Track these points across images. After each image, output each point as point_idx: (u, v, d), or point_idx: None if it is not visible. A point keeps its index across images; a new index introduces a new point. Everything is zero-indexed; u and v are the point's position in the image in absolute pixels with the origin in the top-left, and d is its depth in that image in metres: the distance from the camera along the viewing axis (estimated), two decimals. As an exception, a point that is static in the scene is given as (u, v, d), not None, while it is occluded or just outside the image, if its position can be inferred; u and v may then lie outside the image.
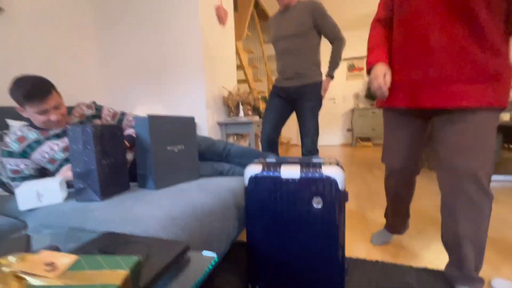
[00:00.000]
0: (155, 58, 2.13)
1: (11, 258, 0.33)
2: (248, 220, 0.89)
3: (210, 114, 2.04)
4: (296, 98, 1.73)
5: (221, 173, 1.32)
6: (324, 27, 1.65)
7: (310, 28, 1.64)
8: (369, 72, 1.01)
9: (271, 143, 1.79)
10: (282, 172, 0.84)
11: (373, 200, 1.93)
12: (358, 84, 5.33)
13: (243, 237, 1.39)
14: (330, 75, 1.72)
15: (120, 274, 0.33)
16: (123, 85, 2.27)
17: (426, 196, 1.99)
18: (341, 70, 5.38)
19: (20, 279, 0.31)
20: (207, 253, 0.55)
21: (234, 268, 1.11)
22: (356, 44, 5.22)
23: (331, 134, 5.63)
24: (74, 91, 2.05)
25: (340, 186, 0.79)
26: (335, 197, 0.79)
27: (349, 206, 1.84)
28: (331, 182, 0.79)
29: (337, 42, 1.69)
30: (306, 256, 0.84)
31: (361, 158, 3.83)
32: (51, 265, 0.34)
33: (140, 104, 2.21)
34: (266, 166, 0.87)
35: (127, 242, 0.55)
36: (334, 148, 5.09)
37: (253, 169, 0.87)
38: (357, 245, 1.28)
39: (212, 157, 1.36)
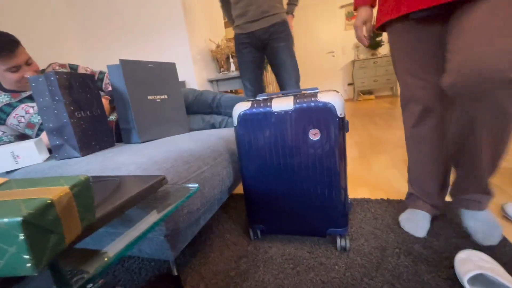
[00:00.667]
0: (133, 13, 1.93)
1: None
2: (242, 162, 0.83)
3: (198, 71, 1.89)
4: (267, 41, 1.55)
5: (213, 126, 1.24)
6: None
7: None
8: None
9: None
10: (273, 106, 0.75)
11: (376, 147, 1.87)
12: (358, 33, 4.98)
13: (242, 190, 1.36)
14: (291, 12, 1.64)
15: (56, 190, 0.26)
16: (101, 46, 2.09)
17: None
18: (339, 19, 5.00)
19: None
20: (191, 185, 0.48)
21: (235, 217, 1.08)
22: (354, -12, 4.77)
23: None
24: (47, 53, 1.89)
25: (339, 113, 0.71)
26: (334, 126, 0.71)
27: (352, 153, 1.78)
28: (328, 109, 0.70)
29: None
30: (306, 193, 0.79)
31: (364, 110, 3.71)
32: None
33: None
34: (256, 102, 0.78)
35: (99, 181, 0.49)
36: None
37: (242, 107, 0.79)
38: (362, 189, 1.23)
39: (201, 109, 1.27)
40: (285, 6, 1.61)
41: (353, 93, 5.13)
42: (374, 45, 4.76)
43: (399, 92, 4.91)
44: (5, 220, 0.21)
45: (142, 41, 1.96)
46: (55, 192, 0.26)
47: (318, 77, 5.41)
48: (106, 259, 0.31)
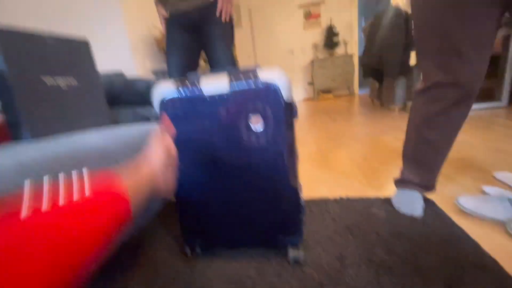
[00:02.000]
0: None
1: None
2: (168, 162, 0.65)
3: (139, 60, 1.64)
4: (197, 23, 1.29)
5: (148, 120, 1.04)
6: None
7: None
8: None
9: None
10: (203, 88, 0.58)
11: (334, 142, 1.82)
12: (316, 33, 5.07)
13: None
14: None
15: None
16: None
17: (386, 131, 1.92)
18: (297, 18, 5.03)
19: None
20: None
21: (172, 230, 0.89)
22: (311, -12, 4.85)
23: (293, 89, 5.45)
24: None
25: (285, 96, 0.57)
26: (279, 111, 0.57)
27: (311, 149, 1.70)
28: (272, 90, 0.56)
29: None
30: (250, 196, 0.63)
31: (323, 108, 3.74)
32: None
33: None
34: (181, 83, 0.60)
35: None
36: (297, 103, 4.95)
37: (163, 90, 0.60)
38: (320, 187, 1.13)
39: (133, 100, 1.05)
40: None
41: (313, 92, 5.20)
42: (331, 45, 4.87)
43: (356, 91, 5.11)
44: None
45: (69, 23, 1.64)
46: None
47: (279, 76, 5.39)
48: None
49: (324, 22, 4.98)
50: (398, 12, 2.41)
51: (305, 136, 2.12)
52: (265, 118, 0.57)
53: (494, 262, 0.59)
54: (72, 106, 0.78)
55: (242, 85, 0.57)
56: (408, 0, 2.47)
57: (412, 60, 2.43)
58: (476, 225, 0.74)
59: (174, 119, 0.60)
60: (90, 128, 0.82)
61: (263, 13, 5.13)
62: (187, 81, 0.60)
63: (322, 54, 5.09)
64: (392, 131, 1.91)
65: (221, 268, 0.67)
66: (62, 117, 0.76)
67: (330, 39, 4.84)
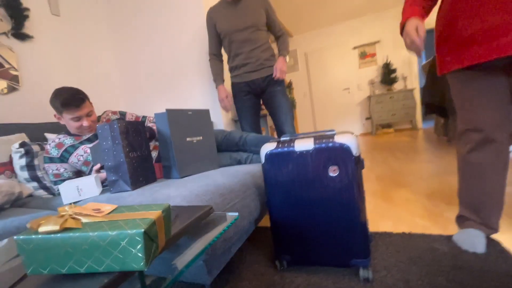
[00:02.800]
0: (169, 64, 2.24)
1: (66, 207, 0.40)
2: (268, 195, 0.93)
3: (224, 113, 2.11)
4: (264, 87, 1.74)
5: (239, 162, 1.37)
6: (273, 22, 1.71)
7: (265, 22, 1.68)
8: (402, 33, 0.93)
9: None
10: (296, 146, 0.87)
11: (397, 180, 1.89)
12: (372, 71, 5.20)
13: (266, 223, 1.43)
14: (283, 54, 1.70)
15: (154, 213, 0.39)
16: (142, 95, 2.41)
17: (453, 170, 1.91)
18: (353, 58, 5.29)
19: (75, 219, 0.37)
20: (230, 214, 0.59)
21: (261, 249, 1.15)
22: (366, 30, 5.12)
23: (349, 125, 5.52)
24: (100, 102, 2.21)
25: (354, 152, 0.81)
26: (350, 163, 0.81)
27: (374, 187, 1.81)
28: (345, 149, 0.81)
29: (284, 36, 1.76)
30: (328, 225, 0.86)
31: (383, 144, 3.73)
32: (98, 210, 0.40)
33: (159, 110, 2.34)
34: (281, 143, 0.91)
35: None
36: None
37: (268, 147, 0.91)
38: (384, 223, 1.26)
39: (229, 148, 1.42)
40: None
41: (371, 127, 5.18)
42: (389, 81, 4.91)
43: (419, 125, 4.90)
44: (134, 231, 0.34)
45: (177, 88, 2.25)
46: (155, 214, 0.38)
47: (336, 112, 5.57)
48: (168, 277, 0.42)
49: (380, 59, 5.11)
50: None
51: (367, 173, 2.22)
52: (339, 168, 0.82)
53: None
54: (199, 154, 1.16)
55: (323, 144, 0.84)
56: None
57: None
58: (543, 266, 0.80)
59: (275, 166, 0.89)
60: (209, 169, 1.19)
61: (319, 56, 5.55)
62: (285, 142, 0.89)
63: (379, 89, 5.14)
64: (461, 171, 1.89)
65: (306, 280, 0.89)
66: (194, 161, 1.14)
67: (388, 75, 4.91)
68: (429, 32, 5.79)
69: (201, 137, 1.18)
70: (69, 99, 1.15)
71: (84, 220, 0.37)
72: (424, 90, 3.02)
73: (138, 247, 0.34)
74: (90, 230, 0.34)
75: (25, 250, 0.34)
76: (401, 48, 4.96)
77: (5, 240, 0.92)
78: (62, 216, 0.37)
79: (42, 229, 0.34)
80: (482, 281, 0.76)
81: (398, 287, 0.79)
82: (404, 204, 1.44)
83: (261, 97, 1.81)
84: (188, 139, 1.12)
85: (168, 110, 1.06)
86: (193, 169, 1.12)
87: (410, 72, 4.95)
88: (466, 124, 0.92)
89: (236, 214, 0.58)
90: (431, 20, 4.66)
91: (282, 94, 1.72)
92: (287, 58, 1.75)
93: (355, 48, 5.24)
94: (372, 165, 2.50)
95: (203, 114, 1.21)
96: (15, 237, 0.34)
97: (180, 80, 2.21)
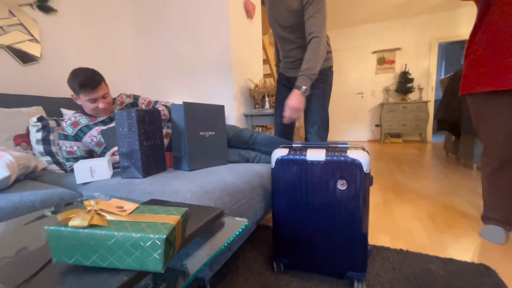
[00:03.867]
0: (187, 55, 2.24)
1: (92, 202, 0.42)
2: (274, 199, 0.95)
3: (237, 106, 2.12)
4: None
5: (247, 160, 1.39)
6: (307, 20, 1.30)
7: (301, 20, 1.33)
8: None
9: (285, 137, 1.64)
10: (308, 155, 0.88)
11: (400, 195, 1.89)
12: (388, 78, 5.11)
13: (267, 222, 1.46)
14: (298, 87, 1.27)
15: (174, 218, 0.41)
16: (157, 81, 2.42)
17: (458, 191, 1.90)
18: (371, 63, 5.20)
19: (100, 215, 0.39)
20: (239, 219, 0.61)
21: (260, 248, 1.18)
22: (386, 36, 5.01)
23: (358, 130, 5.48)
24: (116, 84, 2.24)
25: (365, 169, 0.82)
26: (360, 179, 0.82)
27: (376, 199, 1.82)
28: (356, 165, 0.82)
29: (313, 43, 1.27)
30: (329, 236, 0.88)
31: (390, 154, 3.71)
32: (121, 208, 0.42)
33: (172, 98, 2.35)
34: (293, 150, 0.92)
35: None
36: (361, 144, 4.95)
37: (280, 152, 0.93)
38: (382, 236, 1.28)
39: (239, 145, 1.44)
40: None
41: (380, 134, 5.14)
42: (405, 90, 4.83)
43: (428, 139, 4.84)
44: (156, 236, 0.36)
45: (192, 79, 2.26)
46: (174, 219, 0.40)
47: (346, 116, 5.52)
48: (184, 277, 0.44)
49: (398, 67, 5.01)
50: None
51: (370, 183, 2.22)
52: (348, 183, 0.83)
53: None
54: (209, 149, 1.18)
55: (334, 157, 0.84)
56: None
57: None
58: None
59: (285, 171, 0.91)
60: (218, 164, 1.21)
61: (336, 56, 5.47)
62: (297, 149, 0.91)
63: (393, 98, 5.06)
64: (465, 192, 1.88)
65: (300, 284, 0.92)
66: (204, 156, 1.16)
67: (404, 84, 4.82)
68: (452, 44, 5.64)
69: (213, 132, 1.20)
70: (86, 80, 1.17)
71: (109, 217, 0.39)
72: (440, 105, 2.98)
73: (159, 251, 0.36)
74: (115, 229, 0.36)
75: (54, 240, 0.37)
76: (422, 58, 4.85)
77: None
78: (89, 211, 0.39)
79: (72, 223, 0.36)
80: (473, 309, 0.78)
81: (390, 304, 0.81)
82: (404, 220, 1.46)
83: None
84: (201, 133, 1.14)
85: (185, 103, 1.07)
86: (202, 163, 1.15)
87: (427, 84, 4.86)
88: (489, 144, 1.12)
89: (246, 220, 0.60)
90: (453, 33, 4.53)
91: (317, 98, 1.50)
92: (307, 89, 1.28)
93: (374, 52, 5.14)
94: (377, 175, 2.50)
95: (218, 110, 1.22)
96: (46, 227, 0.37)
97: (197, 72, 2.22)
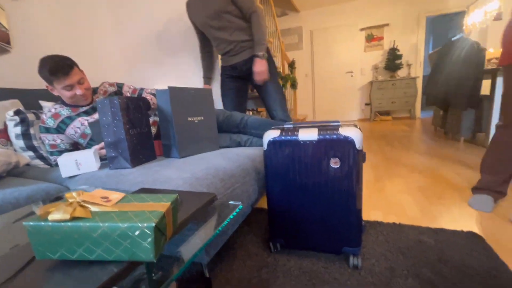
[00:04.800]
0: (170, 35, 2.14)
1: (74, 194, 0.39)
2: (268, 182, 0.94)
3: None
4: (249, 71, 1.66)
5: (239, 144, 1.37)
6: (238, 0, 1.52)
7: (229, 1, 1.52)
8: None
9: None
10: (300, 135, 0.86)
11: (392, 171, 1.93)
12: (377, 55, 5.08)
13: (262, 204, 1.46)
14: (258, 55, 1.56)
15: (163, 205, 0.39)
16: (140, 67, 2.32)
17: (447, 164, 1.95)
18: (359, 40, 5.13)
19: (83, 207, 0.37)
20: (233, 203, 0.60)
21: (256, 230, 1.18)
22: (375, 12, 4.92)
23: (349, 109, 5.50)
24: (96, 72, 2.13)
25: (358, 146, 0.81)
26: (353, 156, 0.81)
27: (368, 176, 1.85)
28: (349, 142, 0.81)
29: (254, 16, 1.54)
30: (324, 214, 0.88)
31: (380, 131, 3.75)
32: (106, 198, 0.40)
33: (158, 84, 2.27)
34: (284, 131, 0.90)
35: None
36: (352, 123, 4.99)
37: (272, 134, 0.91)
38: (375, 212, 1.31)
39: (230, 129, 1.41)
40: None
41: (370, 113, 5.17)
42: (393, 67, 4.82)
43: (417, 115, 4.91)
44: (145, 224, 0.34)
45: (176, 63, 2.17)
46: (164, 207, 0.38)
47: (336, 96, 5.51)
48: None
49: (387, 44, 4.97)
50: (470, 44, 2.40)
51: (361, 161, 2.25)
52: (342, 160, 0.82)
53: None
54: (200, 135, 1.15)
55: (327, 136, 0.83)
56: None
57: (482, 91, 2.37)
58: (522, 264, 0.85)
59: (277, 153, 0.89)
60: (209, 150, 1.18)
61: (324, 35, 5.36)
62: (289, 130, 0.89)
63: (382, 75, 5.06)
64: (454, 165, 1.93)
65: (297, 263, 0.93)
66: (194, 142, 1.13)
67: (392, 61, 4.81)
68: (440, 18, 5.60)
69: (202, 117, 1.16)
70: (57, 66, 1.09)
71: (93, 208, 0.37)
72: (427, 82, 2.99)
73: (148, 240, 0.34)
74: (100, 220, 0.34)
75: (34, 236, 0.34)
76: (410, 34, 4.81)
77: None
78: (71, 204, 0.37)
79: (52, 217, 0.34)
80: (464, 275, 0.81)
81: (385, 276, 0.84)
82: (395, 194, 1.49)
83: (249, 81, 1.79)
84: (189, 118, 1.10)
85: (170, 88, 1.03)
86: (193, 150, 1.12)
87: (416, 60, 4.85)
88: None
89: (239, 203, 0.59)
90: (441, 5, 4.49)
91: (270, 79, 1.68)
92: (264, 54, 1.57)
93: (362, 29, 5.07)
94: (368, 153, 2.53)
95: (205, 94, 1.18)
96: (24, 222, 0.34)
97: (180, 52, 2.13)
